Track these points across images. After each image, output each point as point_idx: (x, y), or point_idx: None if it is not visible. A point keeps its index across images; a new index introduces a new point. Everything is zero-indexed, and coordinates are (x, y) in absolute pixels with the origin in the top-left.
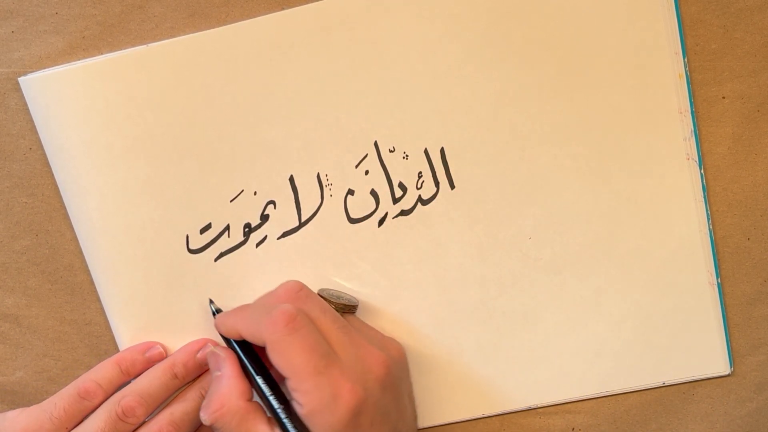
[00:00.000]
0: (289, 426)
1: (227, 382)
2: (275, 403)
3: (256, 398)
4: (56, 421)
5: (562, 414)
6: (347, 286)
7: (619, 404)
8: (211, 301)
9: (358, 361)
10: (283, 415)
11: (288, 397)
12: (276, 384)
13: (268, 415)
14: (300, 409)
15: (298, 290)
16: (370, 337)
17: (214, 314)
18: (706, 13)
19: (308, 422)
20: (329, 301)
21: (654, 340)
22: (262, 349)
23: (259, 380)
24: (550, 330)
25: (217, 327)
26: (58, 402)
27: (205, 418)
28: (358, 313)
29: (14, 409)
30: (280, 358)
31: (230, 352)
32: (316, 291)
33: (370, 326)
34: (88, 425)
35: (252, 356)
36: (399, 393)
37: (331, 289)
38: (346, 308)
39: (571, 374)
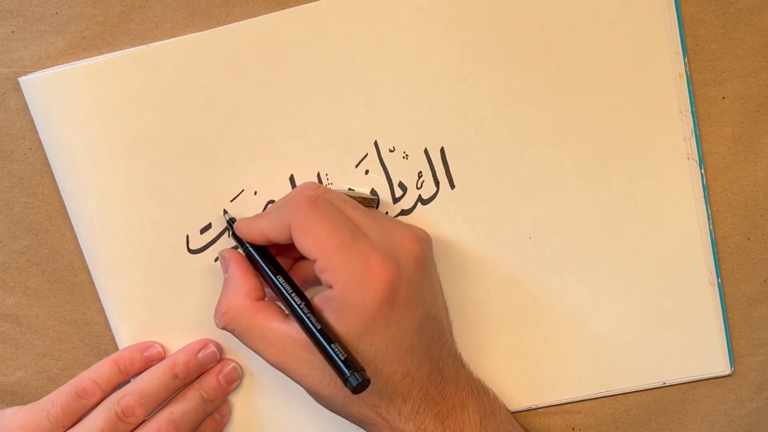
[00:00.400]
0: (309, 321)
1: (233, 284)
2: (296, 300)
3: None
4: (53, 420)
5: (562, 414)
6: None
7: (619, 404)
8: (225, 211)
9: (386, 238)
10: (305, 311)
11: (309, 302)
12: (295, 284)
13: (286, 312)
14: (332, 292)
15: (315, 187)
16: (395, 221)
17: (229, 223)
18: (706, 13)
19: (342, 303)
20: (349, 195)
21: (654, 340)
22: (284, 250)
23: (278, 280)
24: (550, 330)
25: (238, 231)
26: (56, 400)
27: (216, 321)
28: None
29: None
30: (305, 238)
31: (235, 253)
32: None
33: (393, 217)
34: (86, 424)
35: (269, 258)
36: (431, 274)
37: (350, 189)
38: (366, 201)
39: (571, 374)
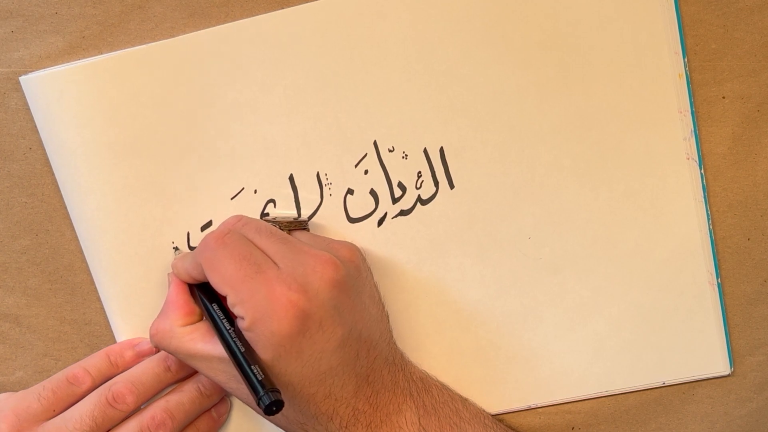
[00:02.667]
0: (234, 344)
1: (166, 308)
2: (225, 325)
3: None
4: (44, 402)
5: (562, 414)
6: None
7: (619, 404)
8: (175, 248)
9: (298, 265)
10: (231, 335)
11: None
12: (226, 312)
13: (220, 340)
14: (243, 323)
15: (236, 221)
16: (316, 243)
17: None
18: (706, 13)
19: (253, 335)
20: (274, 222)
21: (654, 340)
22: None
23: (213, 307)
24: (550, 330)
25: (173, 268)
26: (47, 384)
27: (150, 341)
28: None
29: None
30: (213, 274)
31: (175, 278)
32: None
33: (321, 236)
34: (77, 408)
35: (204, 287)
36: (353, 292)
37: (282, 213)
38: (294, 224)
39: (571, 374)
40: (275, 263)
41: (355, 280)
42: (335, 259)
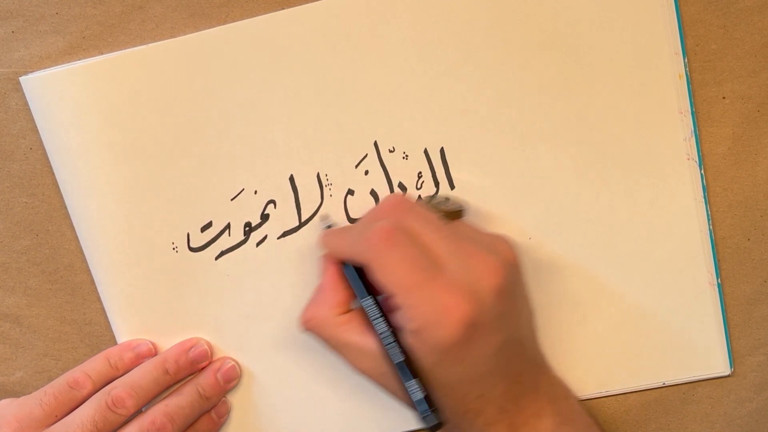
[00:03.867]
0: (392, 353)
1: (322, 294)
2: (381, 327)
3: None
4: (46, 407)
5: None
6: None
7: (619, 404)
8: (324, 217)
9: (467, 271)
10: (389, 341)
11: (393, 321)
12: (381, 309)
13: (374, 330)
14: (409, 325)
15: (397, 203)
16: (479, 241)
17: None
18: (706, 13)
19: (418, 340)
20: (435, 207)
21: (654, 340)
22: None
23: (366, 302)
24: (550, 330)
25: (321, 243)
26: (48, 390)
27: (299, 325)
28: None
29: None
30: (381, 276)
31: (332, 263)
32: (423, 197)
33: (479, 229)
34: (78, 413)
35: (360, 279)
36: (514, 298)
37: (435, 196)
38: (452, 215)
39: (571, 374)
40: (443, 264)
41: (515, 284)
42: (501, 265)
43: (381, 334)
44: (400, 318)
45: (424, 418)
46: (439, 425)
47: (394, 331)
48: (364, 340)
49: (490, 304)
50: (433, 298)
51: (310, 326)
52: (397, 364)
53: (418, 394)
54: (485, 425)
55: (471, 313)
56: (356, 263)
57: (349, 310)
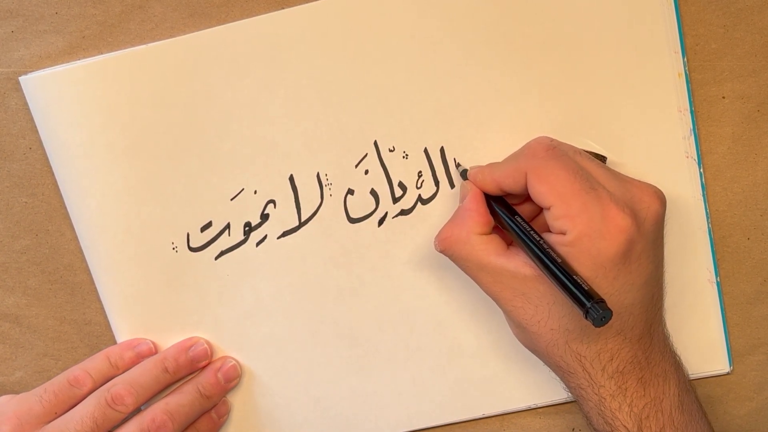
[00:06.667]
0: (551, 254)
1: (463, 214)
2: (535, 236)
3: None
4: (46, 404)
5: (562, 414)
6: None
7: None
8: (457, 164)
9: (626, 191)
10: (545, 246)
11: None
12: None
13: (507, 248)
14: (564, 238)
15: (550, 140)
16: (631, 178)
17: (462, 175)
18: (706, 13)
19: (575, 249)
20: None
21: None
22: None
23: (516, 219)
24: None
25: (472, 179)
26: (48, 387)
27: (435, 244)
28: None
29: None
30: (542, 185)
31: (476, 188)
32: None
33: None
34: (77, 410)
35: (504, 203)
36: (662, 236)
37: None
38: (596, 157)
39: None
40: (603, 183)
41: (663, 221)
42: (661, 193)
43: (537, 242)
44: (558, 228)
45: (590, 311)
46: (608, 314)
47: (547, 243)
48: (504, 261)
49: (648, 229)
50: (595, 206)
51: (446, 245)
52: (556, 265)
53: (585, 286)
54: (616, 373)
55: (631, 230)
56: (509, 185)
57: (489, 233)
